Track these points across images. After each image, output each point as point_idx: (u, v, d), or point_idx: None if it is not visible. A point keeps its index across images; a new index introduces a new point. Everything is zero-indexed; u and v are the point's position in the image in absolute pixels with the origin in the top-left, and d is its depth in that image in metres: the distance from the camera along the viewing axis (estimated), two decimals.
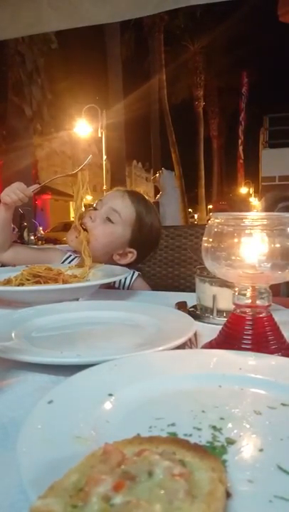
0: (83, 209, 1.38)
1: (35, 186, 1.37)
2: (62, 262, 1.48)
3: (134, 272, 1.42)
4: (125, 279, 1.38)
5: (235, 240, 0.65)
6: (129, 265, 1.40)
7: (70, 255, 1.50)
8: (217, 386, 0.52)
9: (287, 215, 0.65)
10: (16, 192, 1.32)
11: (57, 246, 2.97)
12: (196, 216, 26.13)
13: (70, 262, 1.47)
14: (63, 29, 2.44)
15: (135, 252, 1.40)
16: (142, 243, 1.41)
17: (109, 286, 1.31)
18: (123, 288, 1.40)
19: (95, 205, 1.40)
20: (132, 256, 1.40)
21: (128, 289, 1.40)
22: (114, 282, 1.35)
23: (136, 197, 1.43)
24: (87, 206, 1.44)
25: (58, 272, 1.16)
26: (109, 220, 1.35)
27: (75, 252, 1.48)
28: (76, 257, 1.47)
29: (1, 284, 1.13)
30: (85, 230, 1.32)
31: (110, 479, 0.28)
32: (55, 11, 2.28)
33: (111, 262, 1.38)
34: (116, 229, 1.35)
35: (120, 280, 1.37)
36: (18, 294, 1.04)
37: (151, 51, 19.31)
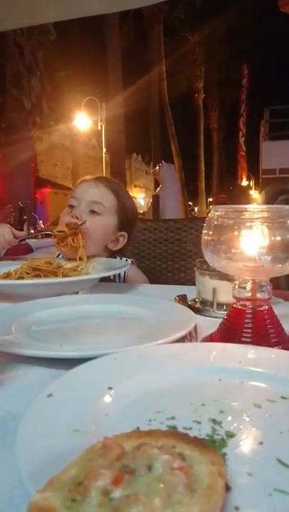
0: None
1: (23, 233, 1.36)
2: None
3: (126, 260, 1.43)
4: None
5: (236, 233, 0.65)
6: (121, 249, 1.41)
7: (58, 254, 1.50)
8: (217, 379, 0.51)
9: (287, 208, 0.64)
10: (1, 240, 1.32)
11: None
12: (196, 209, 26.08)
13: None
14: (62, 20, 2.42)
15: (126, 234, 1.42)
16: (129, 223, 1.44)
17: (106, 278, 1.31)
18: (119, 278, 1.40)
19: (70, 204, 1.38)
20: (123, 239, 1.42)
21: (124, 278, 1.40)
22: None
23: (108, 181, 1.43)
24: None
25: (58, 266, 1.16)
26: (93, 212, 1.34)
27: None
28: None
29: (0, 277, 1.13)
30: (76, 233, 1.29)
31: (109, 473, 0.28)
32: (54, 2, 2.25)
33: (106, 250, 1.39)
34: (105, 219, 1.36)
35: None
36: (17, 288, 1.04)
37: (150, 43, 19.13)
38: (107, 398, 0.46)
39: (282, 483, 0.32)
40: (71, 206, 1.37)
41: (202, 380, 0.51)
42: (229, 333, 0.67)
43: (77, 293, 1.09)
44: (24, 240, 1.39)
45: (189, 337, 0.71)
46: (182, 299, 0.98)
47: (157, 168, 10.74)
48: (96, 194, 1.36)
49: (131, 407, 0.45)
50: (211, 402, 0.46)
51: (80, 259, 1.27)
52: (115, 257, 1.46)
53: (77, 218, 1.32)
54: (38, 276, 1.11)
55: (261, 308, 0.66)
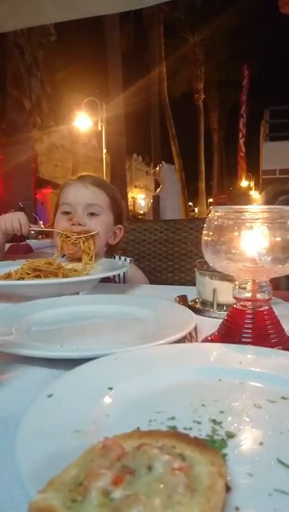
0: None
1: (36, 228, 1.36)
2: None
3: (125, 259, 1.45)
4: None
5: (236, 234, 0.65)
6: (118, 243, 1.44)
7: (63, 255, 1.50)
8: (217, 380, 0.51)
9: (287, 209, 0.64)
10: (16, 223, 1.33)
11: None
12: (196, 210, 26.07)
13: None
14: (62, 21, 2.42)
15: (122, 227, 1.45)
16: (122, 214, 1.47)
17: (106, 279, 1.31)
18: (119, 278, 1.40)
19: (64, 211, 1.36)
20: (120, 232, 1.45)
21: (124, 277, 1.41)
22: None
23: (93, 178, 1.43)
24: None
25: (58, 266, 1.16)
26: (92, 214, 1.34)
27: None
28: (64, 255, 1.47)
29: (1, 278, 1.13)
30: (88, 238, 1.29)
31: (110, 473, 0.28)
32: (54, 3, 2.26)
33: (106, 245, 1.42)
34: (103, 217, 1.37)
35: None
36: (18, 288, 1.04)
37: (150, 43, 19.12)
38: (108, 398, 0.46)
39: (283, 484, 0.32)
40: (66, 213, 1.35)
41: (202, 380, 0.51)
42: (229, 333, 0.67)
43: (77, 293, 1.09)
44: (26, 238, 1.40)
45: (189, 337, 0.71)
46: (182, 300, 0.98)
47: (157, 168, 10.74)
48: (89, 196, 1.35)
49: (131, 407, 0.45)
50: (211, 402, 0.46)
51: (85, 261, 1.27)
52: (114, 257, 1.47)
53: (80, 224, 1.31)
54: (38, 276, 1.11)
55: (261, 309, 0.66)
